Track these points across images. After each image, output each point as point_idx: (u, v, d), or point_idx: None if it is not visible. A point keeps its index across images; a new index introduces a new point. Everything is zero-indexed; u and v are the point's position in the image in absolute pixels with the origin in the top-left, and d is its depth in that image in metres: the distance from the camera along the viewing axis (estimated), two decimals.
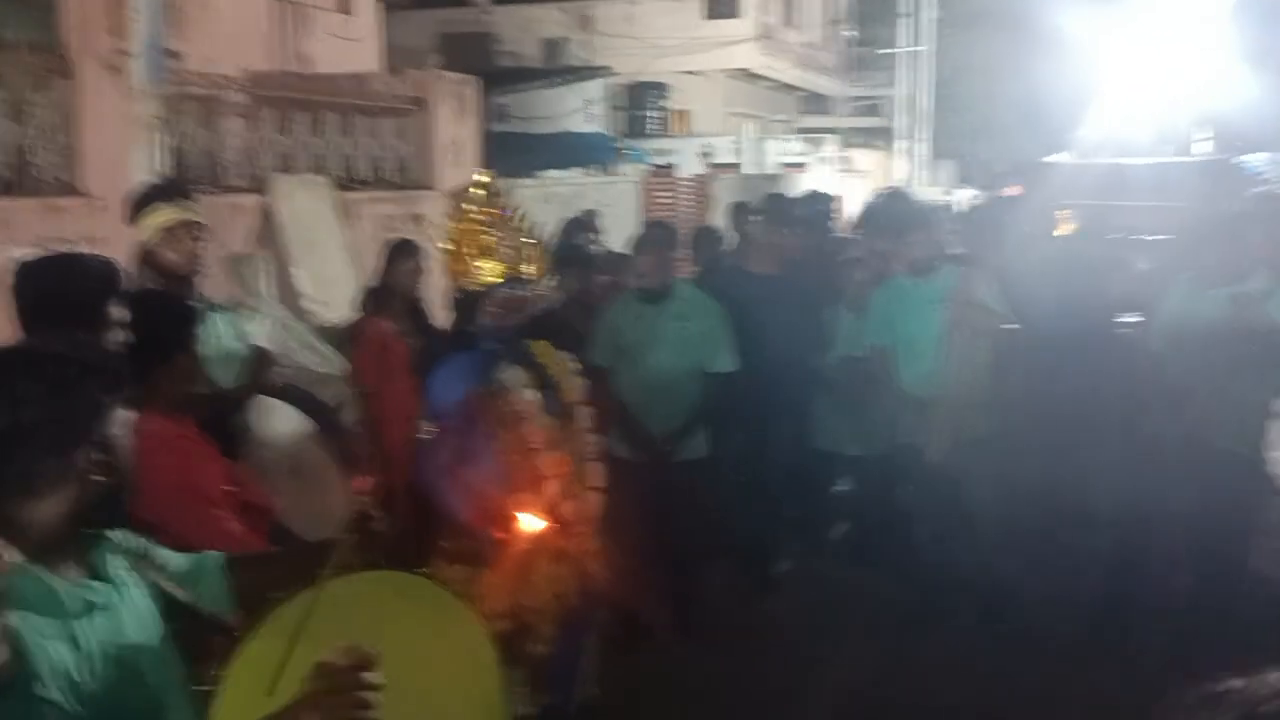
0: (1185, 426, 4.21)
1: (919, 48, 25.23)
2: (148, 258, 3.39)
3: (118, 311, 2.48)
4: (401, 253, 4.76)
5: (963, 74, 27.71)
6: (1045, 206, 5.75)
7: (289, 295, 7.42)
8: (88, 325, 2.36)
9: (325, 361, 6.80)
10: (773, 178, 18.22)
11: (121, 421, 1.64)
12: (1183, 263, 4.73)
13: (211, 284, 3.60)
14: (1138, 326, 4.86)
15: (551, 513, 3.13)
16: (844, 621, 4.87)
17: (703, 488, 4.58)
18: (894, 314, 4.69)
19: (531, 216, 3.38)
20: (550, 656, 3.24)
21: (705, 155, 18.30)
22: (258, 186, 7.89)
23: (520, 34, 22.33)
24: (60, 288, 2.45)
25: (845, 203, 13.55)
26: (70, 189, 6.59)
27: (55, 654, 1.50)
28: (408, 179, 9.30)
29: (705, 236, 6.22)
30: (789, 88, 26.34)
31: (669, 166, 18.62)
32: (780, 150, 21.45)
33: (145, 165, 5.19)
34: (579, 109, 17.86)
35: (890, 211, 5.93)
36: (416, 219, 9.01)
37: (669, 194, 14.68)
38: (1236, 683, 0.86)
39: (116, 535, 1.72)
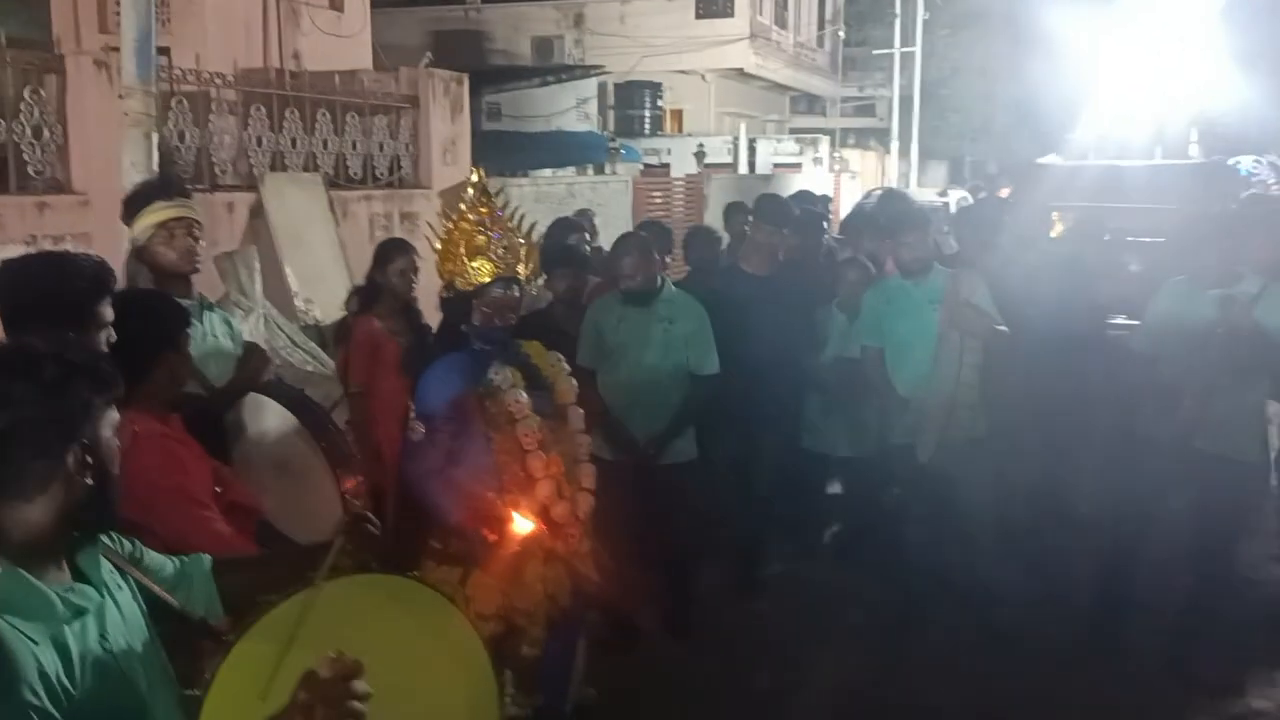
0: (1176, 428, 4.22)
1: (910, 48, 25.28)
2: (143, 255, 3.37)
3: (108, 311, 2.46)
4: (393, 251, 4.74)
5: (956, 75, 27.79)
6: (1039, 207, 5.74)
7: (279, 293, 7.39)
8: (78, 325, 2.34)
9: (314, 360, 6.79)
10: (766, 178, 18.25)
11: (111, 422, 1.62)
12: (1175, 264, 4.73)
13: (201, 281, 3.58)
14: (1132, 329, 4.86)
15: (543, 514, 3.13)
16: (835, 623, 4.87)
17: (691, 490, 4.56)
18: (886, 315, 4.69)
19: (523, 216, 3.38)
20: (542, 658, 3.23)
21: (698, 155, 18.31)
22: (249, 184, 7.87)
23: (512, 32, 22.32)
24: (50, 287, 2.42)
25: (838, 203, 13.57)
26: (60, 186, 6.56)
27: (42, 659, 1.48)
28: (399, 177, 9.28)
29: (700, 236, 6.21)
30: (782, 88, 26.38)
31: (662, 166, 18.63)
32: (773, 150, 21.49)
33: (135, 163, 5.16)
34: (572, 108, 17.84)
35: (886, 212, 5.94)
36: (408, 217, 8.99)
37: (662, 193, 14.68)
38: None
39: (105, 538, 1.71)
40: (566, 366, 3.41)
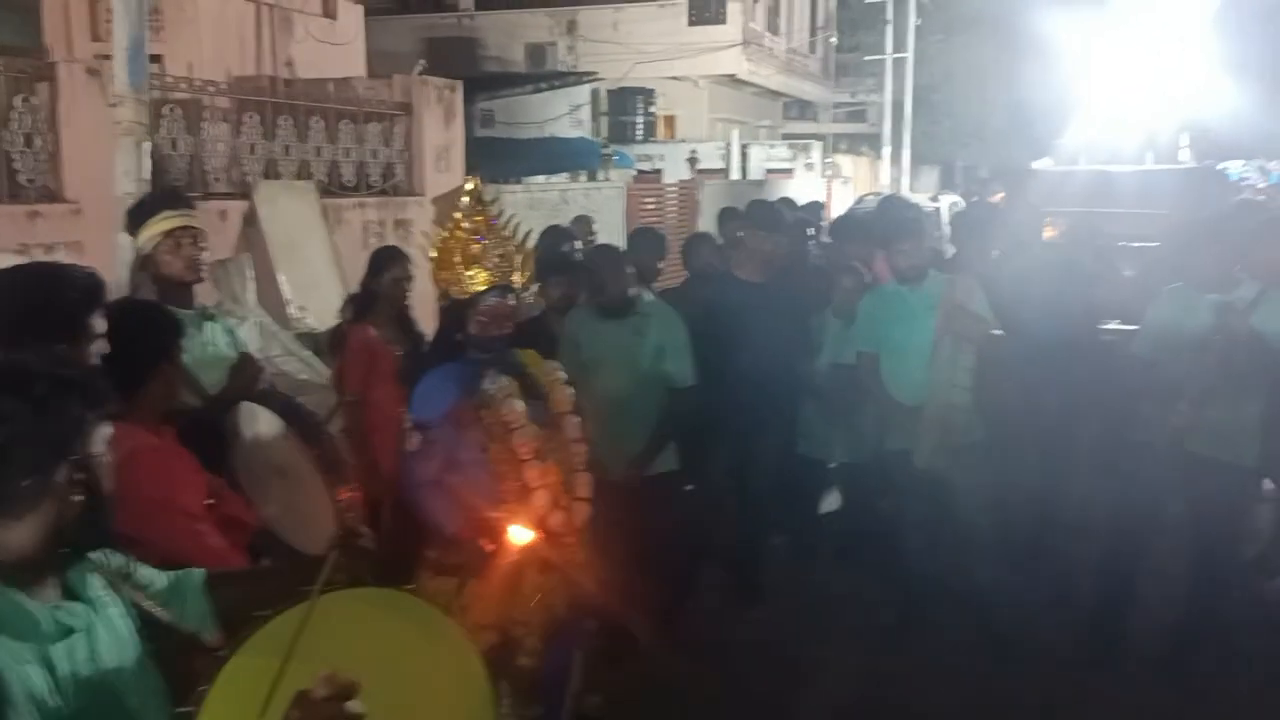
0: (1171, 432, 4.22)
1: (903, 54, 25.34)
2: (147, 264, 3.36)
3: (99, 324, 2.43)
4: (388, 259, 4.72)
5: (948, 81, 27.87)
6: (1032, 213, 5.74)
7: (272, 301, 7.37)
8: (69, 338, 2.31)
9: (309, 368, 6.76)
10: (758, 183, 18.27)
11: (103, 437, 1.60)
12: (1168, 269, 4.74)
13: (197, 290, 3.56)
14: (1125, 334, 4.87)
15: (540, 524, 3.11)
16: (833, 628, 4.86)
17: (674, 500, 4.52)
18: (882, 321, 4.68)
19: (519, 224, 3.36)
20: (539, 668, 3.21)
21: (691, 161, 18.33)
22: (242, 192, 7.85)
23: (505, 39, 22.34)
24: (41, 300, 2.39)
25: (830, 208, 13.59)
26: (51, 194, 6.53)
27: (30, 679, 1.46)
28: (393, 184, 9.27)
29: (701, 244, 6.19)
30: (774, 93, 26.44)
31: (655, 172, 18.64)
32: (766, 156, 21.53)
33: (127, 171, 5.14)
34: (565, 114, 17.85)
35: (883, 219, 5.93)
36: (402, 224, 8.97)
37: (655, 199, 14.69)
38: None
39: (96, 555, 1.68)
40: (563, 375, 3.39)
